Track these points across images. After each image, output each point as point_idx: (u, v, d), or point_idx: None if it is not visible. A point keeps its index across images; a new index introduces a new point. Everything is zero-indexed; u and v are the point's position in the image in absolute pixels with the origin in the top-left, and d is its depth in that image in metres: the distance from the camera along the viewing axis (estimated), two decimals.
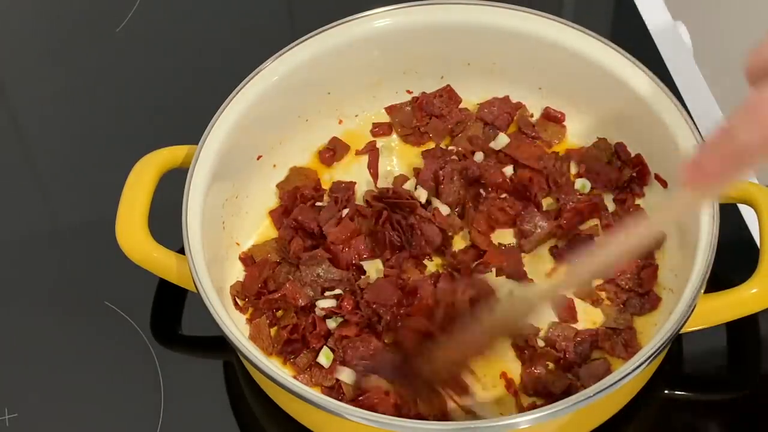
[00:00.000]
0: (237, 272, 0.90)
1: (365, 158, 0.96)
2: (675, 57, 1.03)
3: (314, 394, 0.75)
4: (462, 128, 0.96)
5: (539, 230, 0.89)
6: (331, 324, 0.85)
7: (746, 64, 0.63)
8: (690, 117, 0.86)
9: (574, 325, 0.85)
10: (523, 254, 0.89)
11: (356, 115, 0.98)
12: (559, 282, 0.84)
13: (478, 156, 0.94)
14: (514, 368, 0.84)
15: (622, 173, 0.91)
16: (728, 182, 0.65)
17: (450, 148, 0.95)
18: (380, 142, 0.97)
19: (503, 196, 0.92)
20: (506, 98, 0.96)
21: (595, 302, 0.87)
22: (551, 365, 0.83)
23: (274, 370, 0.76)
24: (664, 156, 0.89)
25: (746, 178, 0.73)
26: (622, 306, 0.86)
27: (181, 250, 0.82)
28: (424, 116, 0.97)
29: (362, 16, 0.92)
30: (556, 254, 0.89)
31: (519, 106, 0.96)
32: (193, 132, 0.87)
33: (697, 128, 0.85)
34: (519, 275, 0.88)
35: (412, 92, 0.98)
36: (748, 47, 0.63)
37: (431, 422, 0.77)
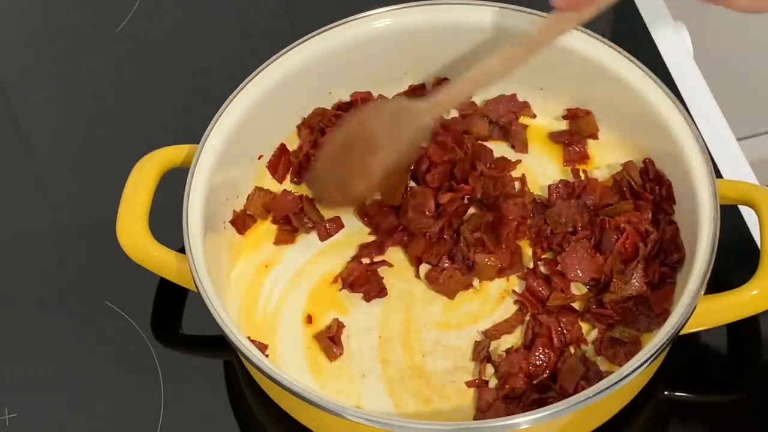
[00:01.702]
0: (237, 272, 0.90)
1: None
2: (675, 57, 1.03)
3: (314, 394, 0.75)
4: (467, 124, 0.96)
5: None
6: None
7: None
8: (690, 117, 0.86)
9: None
10: None
11: None
12: (440, 98, 0.84)
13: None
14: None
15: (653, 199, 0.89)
16: (594, 6, 0.74)
17: None
18: None
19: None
20: (513, 96, 0.96)
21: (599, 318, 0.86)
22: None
23: (274, 370, 0.76)
24: (664, 157, 0.89)
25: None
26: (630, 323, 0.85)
27: (182, 250, 0.82)
28: None
29: (363, 17, 0.92)
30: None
31: (525, 105, 0.96)
32: (193, 132, 0.87)
33: (697, 128, 0.85)
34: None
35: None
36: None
37: (431, 422, 0.77)
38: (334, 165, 0.85)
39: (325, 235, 0.92)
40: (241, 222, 0.91)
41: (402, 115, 0.83)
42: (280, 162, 0.94)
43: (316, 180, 0.88)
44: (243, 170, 0.92)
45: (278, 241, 0.92)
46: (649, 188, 0.89)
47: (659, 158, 0.90)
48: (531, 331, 0.85)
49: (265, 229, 0.92)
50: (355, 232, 0.92)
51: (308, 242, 0.92)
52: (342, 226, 0.92)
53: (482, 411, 0.82)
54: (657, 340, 0.75)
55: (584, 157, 0.94)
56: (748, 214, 0.90)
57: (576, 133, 0.95)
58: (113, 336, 0.90)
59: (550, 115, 0.96)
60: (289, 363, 0.85)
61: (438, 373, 0.85)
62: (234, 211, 0.91)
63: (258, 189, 0.92)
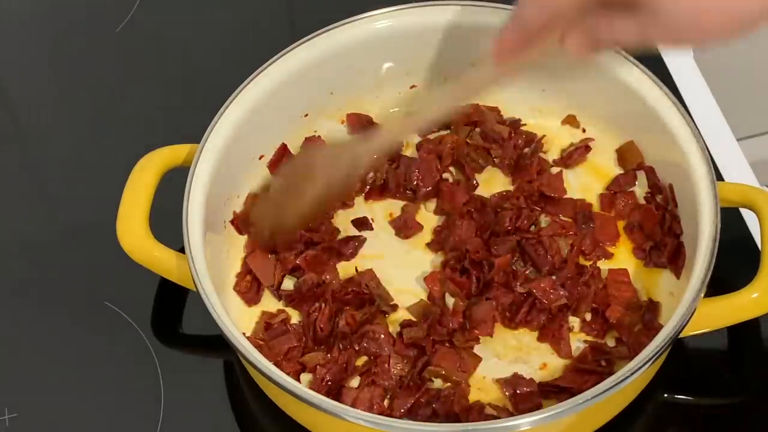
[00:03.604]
0: (237, 271, 0.90)
1: None
2: (675, 57, 1.03)
3: (313, 395, 0.75)
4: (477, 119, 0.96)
5: None
6: None
7: None
8: (691, 118, 0.86)
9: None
10: None
11: None
12: (382, 134, 0.86)
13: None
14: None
15: (664, 219, 0.89)
16: (527, 58, 0.76)
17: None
18: None
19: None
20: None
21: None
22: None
23: (274, 370, 0.76)
24: (664, 159, 0.89)
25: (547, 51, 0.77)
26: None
27: (182, 249, 0.82)
28: None
29: (363, 17, 0.92)
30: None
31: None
32: (193, 132, 0.87)
33: (698, 131, 0.85)
34: None
35: (415, 86, 0.98)
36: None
37: (430, 423, 0.77)
38: (273, 199, 0.88)
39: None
40: (241, 222, 0.91)
41: (344, 147, 0.86)
42: (281, 162, 0.94)
43: (256, 214, 0.89)
44: (243, 170, 0.92)
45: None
46: (654, 204, 0.90)
47: (659, 159, 0.90)
48: None
49: None
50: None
51: None
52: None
53: None
54: (656, 342, 0.75)
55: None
56: (748, 216, 0.90)
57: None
58: (113, 336, 0.90)
59: (551, 115, 0.96)
60: None
61: None
62: (234, 211, 0.91)
63: (252, 195, 0.92)
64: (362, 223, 0.92)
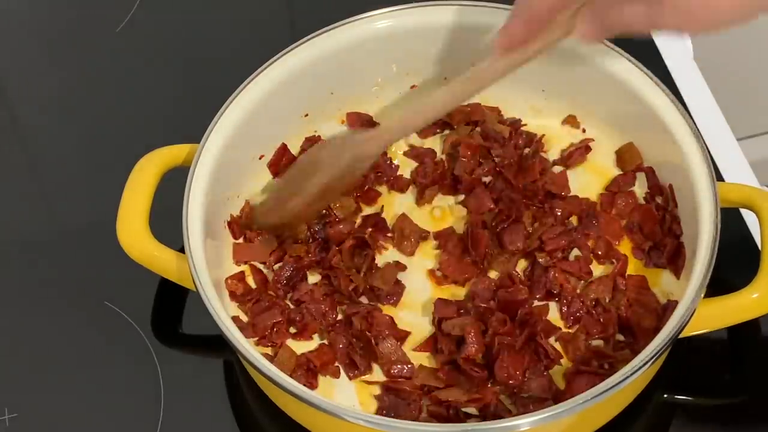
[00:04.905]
0: (237, 271, 0.90)
1: None
2: (675, 57, 1.03)
3: (313, 395, 0.75)
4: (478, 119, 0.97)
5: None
6: None
7: None
8: (691, 118, 0.86)
9: None
10: None
11: None
12: (386, 127, 0.86)
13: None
14: None
15: (664, 221, 0.89)
16: (533, 47, 0.75)
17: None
18: None
19: None
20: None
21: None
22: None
23: (273, 370, 0.76)
24: (664, 159, 0.89)
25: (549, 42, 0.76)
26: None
27: (182, 250, 0.82)
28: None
29: (363, 17, 0.92)
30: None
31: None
32: (193, 132, 0.87)
33: (698, 131, 0.85)
34: None
35: (415, 86, 0.98)
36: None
37: (430, 423, 0.77)
38: (279, 190, 0.89)
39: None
40: (238, 226, 0.91)
41: (346, 143, 0.86)
42: (281, 162, 0.94)
43: (264, 204, 0.90)
44: (243, 170, 0.92)
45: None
46: (654, 205, 0.90)
47: (659, 159, 0.90)
48: None
49: None
50: None
51: None
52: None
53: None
54: (656, 342, 0.75)
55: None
56: (748, 216, 0.90)
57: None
58: (113, 336, 0.90)
59: (551, 115, 0.96)
60: None
61: None
62: (231, 214, 0.90)
63: (249, 203, 0.92)
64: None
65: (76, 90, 1.06)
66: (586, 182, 0.94)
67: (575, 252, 0.88)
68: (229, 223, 0.90)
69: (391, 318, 0.86)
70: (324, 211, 0.90)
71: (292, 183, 0.88)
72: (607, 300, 0.86)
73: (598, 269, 0.88)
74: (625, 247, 0.89)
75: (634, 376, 0.74)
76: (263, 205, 0.91)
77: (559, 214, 0.90)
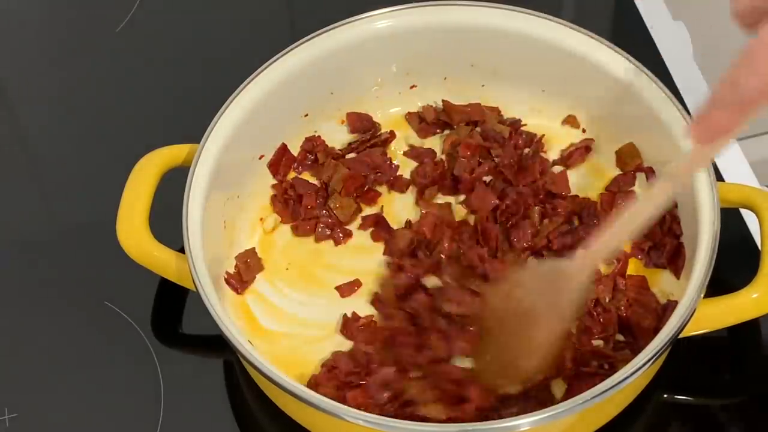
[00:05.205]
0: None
1: None
2: (675, 57, 1.03)
3: (313, 395, 0.75)
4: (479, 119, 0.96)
5: None
6: None
7: (732, 10, 0.63)
8: (691, 118, 0.86)
9: None
10: None
11: None
12: (591, 253, 0.76)
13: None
14: None
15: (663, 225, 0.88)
16: (735, 133, 0.66)
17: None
18: None
19: None
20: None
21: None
22: None
23: (273, 371, 0.76)
24: (664, 159, 0.89)
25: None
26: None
27: (182, 249, 0.82)
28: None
29: (363, 17, 0.92)
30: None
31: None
32: (193, 132, 0.87)
33: None
34: None
35: (415, 86, 0.98)
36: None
37: (429, 424, 0.77)
38: (495, 347, 0.80)
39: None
40: (237, 280, 0.89)
41: (559, 280, 0.76)
42: (281, 162, 0.94)
43: (481, 362, 0.81)
44: (243, 170, 0.92)
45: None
46: None
47: (659, 159, 0.90)
48: None
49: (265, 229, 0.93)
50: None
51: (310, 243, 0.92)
52: (350, 235, 0.92)
53: None
54: (656, 342, 0.75)
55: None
56: (748, 216, 0.90)
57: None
58: (113, 336, 0.90)
59: (551, 115, 0.96)
60: None
61: None
62: (227, 271, 0.89)
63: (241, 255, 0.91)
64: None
65: (76, 90, 1.06)
66: (586, 182, 0.94)
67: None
68: (227, 280, 0.89)
69: None
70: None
71: (507, 341, 0.78)
72: (607, 300, 0.86)
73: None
74: (625, 247, 0.90)
75: (634, 376, 0.74)
76: (482, 372, 0.81)
77: (562, 213, 0.90)
